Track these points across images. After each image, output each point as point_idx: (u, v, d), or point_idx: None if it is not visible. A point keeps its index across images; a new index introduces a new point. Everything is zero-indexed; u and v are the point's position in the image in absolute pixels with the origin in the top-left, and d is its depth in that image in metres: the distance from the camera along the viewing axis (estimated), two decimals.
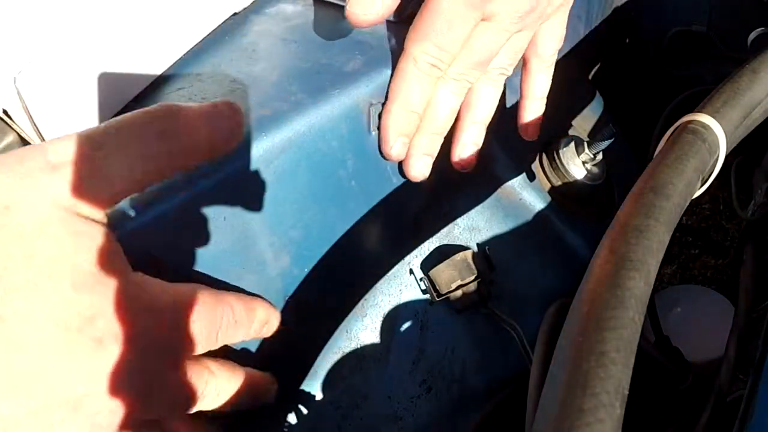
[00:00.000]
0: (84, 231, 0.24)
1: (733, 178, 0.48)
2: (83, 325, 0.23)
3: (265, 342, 0.36)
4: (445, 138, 0.40)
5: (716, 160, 0.30)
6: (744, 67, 0.32)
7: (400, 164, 0.40)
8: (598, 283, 0.23)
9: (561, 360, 0.22)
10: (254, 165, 0.32)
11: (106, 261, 0.24)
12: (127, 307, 0.25)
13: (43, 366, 0.22)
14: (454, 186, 0.42)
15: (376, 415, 0.38)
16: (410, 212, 0.42)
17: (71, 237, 0.23)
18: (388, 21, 0.38)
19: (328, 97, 0.34)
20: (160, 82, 0.35)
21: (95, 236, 0.24)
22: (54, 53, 0.28)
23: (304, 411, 0.37)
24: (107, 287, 0.24)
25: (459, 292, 0.39)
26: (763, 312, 0.35)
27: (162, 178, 0.26)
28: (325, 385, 0.38)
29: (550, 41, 0.40)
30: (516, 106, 0.43)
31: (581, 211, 0.45)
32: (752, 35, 0.52)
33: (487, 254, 0.40)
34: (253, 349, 0.36)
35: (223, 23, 0.38)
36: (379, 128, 0.36)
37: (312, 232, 0.36)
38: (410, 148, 0.37)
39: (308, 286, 0.37)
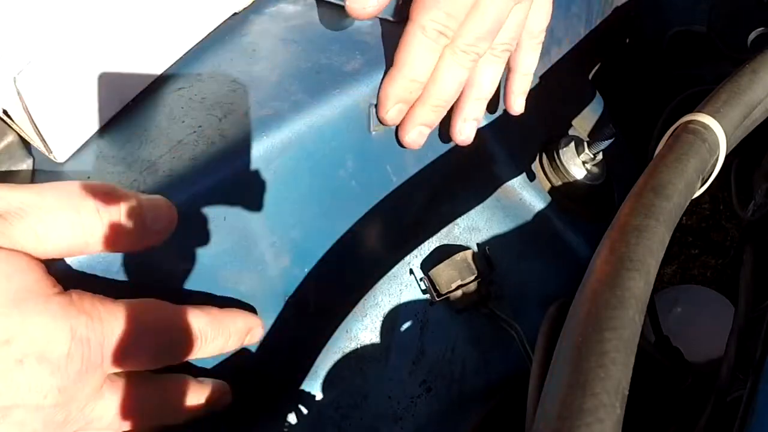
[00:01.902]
0: (4, 258, 0.25)
1: (733, 178, 0.48)
2: (2, 346, 0.24)
3: (265, 342, 0.36)
4: (445, 128, 0.39)
5: (716, 160, 0.30)
6: (744, 67, 0.32)
7: (400, 164, 0.40)
8: (598, 283, 0.23)
9: (561, 360, 0.22)
10: (254, 165, 0.32)
11: (26, 284, 0.25)
12: (48, 327, 0.25)
13: None
14: (453, 186, 0.42)
15: (376, 416, 0.38)
16: (410, 212, 0.42)
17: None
18: (388, 21, 0.38)
19: (328, 97, 0.34)
20: (160, 82, 0.35)
21: (16, 262, 0.25)
22: (54, 53, 0.28)
23: (304, 411, 0.37)
24: (26, 310, 0.25)
25: (459, 292, 0.39)
26: (763, 312, 0.35)
27: (87, 252, 0.27)
28: (325, 385, 0.38)
29: (540, 17, 0.40)
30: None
31: (581, 211, 0.45)
32: (752, 35, 0.52)
33: (487, 254, 0.40)
34: (253, 349, 0.36)
35: (223, 23, 0.38)
36: (378, 92, 0.36)
37: (312, 232, 0.36)
38: (409, 116, 0.37)
39: (308, 286, 0.37)
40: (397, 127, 0.38)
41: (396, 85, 0.35)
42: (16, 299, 0.25)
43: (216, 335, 0.31)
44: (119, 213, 0.27)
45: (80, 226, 0.26)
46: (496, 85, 0.39)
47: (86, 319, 0.26)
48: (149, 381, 0.30)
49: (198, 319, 0.30)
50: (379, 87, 0.35)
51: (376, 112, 0.36)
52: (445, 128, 0.39)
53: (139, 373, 0.29)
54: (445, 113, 0.37)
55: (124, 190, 0.28)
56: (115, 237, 0.27)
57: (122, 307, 0.27)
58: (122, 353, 0.27)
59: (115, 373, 0.28)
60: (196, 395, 0.32)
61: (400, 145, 0.38)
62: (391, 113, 0.36)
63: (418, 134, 0.37)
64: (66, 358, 0.25)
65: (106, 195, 0.27)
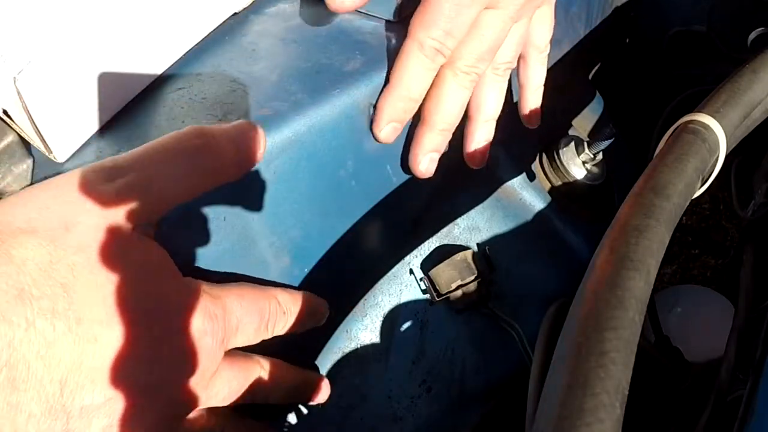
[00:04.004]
0: (136, 242, 0.27)
1: (733, 178, 0.48)
2: (146, 323, 0.26)
3: (264, 342, 0.36)
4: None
5: (716, 160, 0.30)
6: (744, 67, 0.32)
7: (401, 164, 0.40)
8: (598, 283, 0.23)
9: (561, 360, 0.22)
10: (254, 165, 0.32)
11: (158, 267, 0.27)
12: (182, 307, 0.27)
13: (116, 359, 0.25)
14: (454, 186, 0.42)
15: (376, 415, 0.38)
16: (410, 212, 0.42)
17: (126, 248, 0.26)
18: (388, 21, 0.38)
19: (328, 97, 0.34)
20: (160, 82, 0.35)
21: (147, 246, 0.27)
22: (54, 53, 0.28)
23: (304, 411, 0.37)
24: (162, 290, 0.27)
25: (459, 292, 0.39)
26: (763, 312, 0.34)
27: (196, 195, 0.29)
28: None
29: (543, 30, 0.40)
30: (516, 105, 0.43)
31: (581, 211, 0.45)
32: (752, 35, 0.52)
33: (487, 254, 0.40)
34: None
35: (223, 23, 0.38)
36: (374, 108, 0.36)
37: (312, 232, 0.36)
38: (418, 145, 0.37)
39: (308, 286, 0.37)
40: (400, 163, 0.38)
41: (391, 103, 0.35)
42: (150, 278, 0.26)
43: (296, 311, 0.34)
44: (215, 148, 0.28)
45: (185, 173, 0.28)
46: (502, 104, 0.39)
47: (211, 297, 0.29)
48: (252, 358, 0.32)
49: (282, 296, 0.33)
50: (376, 101, 0.35)
51: (371, 127, 0.36)
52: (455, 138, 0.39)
53: (241, 351, 0.32)
54: (450, 136, 0.38)
55: (210, 126, 0.29)
56: (218, 171, 0.29)
57: (229, 289, 0.30)
58: (237, 330, 0.30)
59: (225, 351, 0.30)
60: (292, 377, 0.35)
61: (413, 174, 0.38)
62: (385, 131, 0.36)
63: (429, 161, 0.37)
64: (201, 332, 0.28)
65: (197, 137, 0.28)
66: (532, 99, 0.42)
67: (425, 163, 0.37)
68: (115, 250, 0.26)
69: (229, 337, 0.30)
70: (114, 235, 0.26)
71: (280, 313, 0.32)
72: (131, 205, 0.26)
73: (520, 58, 0.41)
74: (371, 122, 0.36)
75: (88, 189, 0.26)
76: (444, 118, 0.36)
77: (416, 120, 0.37)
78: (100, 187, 0.26)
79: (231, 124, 0.30)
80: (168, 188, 0.27)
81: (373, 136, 0.36)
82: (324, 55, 0.36)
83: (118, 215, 0.26)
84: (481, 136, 0.39)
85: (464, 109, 0.37)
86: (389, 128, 0.35)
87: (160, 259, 0.28)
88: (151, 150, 0.27)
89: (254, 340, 0.32)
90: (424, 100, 0.36)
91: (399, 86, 0.34)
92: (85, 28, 0.29)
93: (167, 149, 0.28)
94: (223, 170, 0.29)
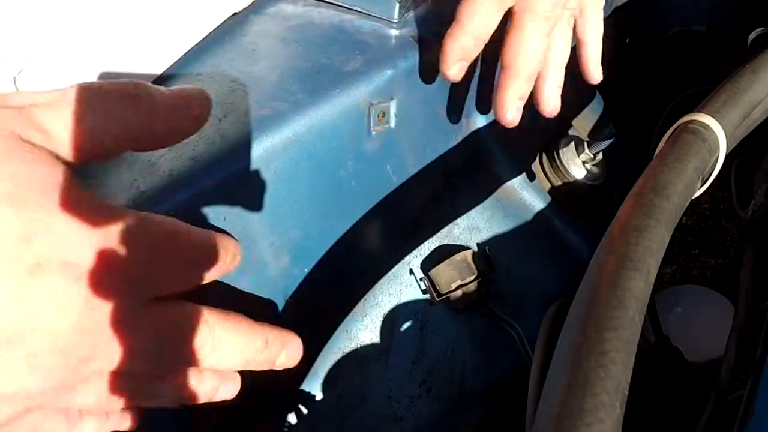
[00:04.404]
0: (34, 155, 0.21)
1: (733, 178, 0.48)
2: (18, 245, 0.20)
3: None
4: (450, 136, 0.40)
5: (716, 160, 0.30)
6: (744, 67, 0.32)
7: (401, 164, 0.40)
8: (598, 283, 0.23)
9: (561, 360, 0.22)
10: (254, 165, 0.32)
11: (50, 177, 0.21)
12: (74, 227, 0.21)
13: None
14: (454, 186, 0.42)
15: (376, 415, 0.38)
16: (410, 212, 0.42)
17: (18, 158, 0.21)
18: (388, 21, 0.38)
19: (328, 97, 0.34)
20: (160, 82, 0.35)
21: (43, 159, 0.21)
22: (54, 53, 0.28)
23: (304, 411, 0.37)
24: (49, 204, 0.21)
25: (459, 292, 0.39)
26: (763, 312, 0.35)
27: (121, 149, 0.24)
28: (325, 385, 0.38)
29: None
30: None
31: (581, 211, 0.45)
32: (752, 35, 0.52)
33: (487, 254, 0.40)
34: None
35: (223, 23, 0.38)
36: (440, 49, 0.35)
37: (312, 232, 0.36)
38: (504, 93, 0.36)
39: (308, 286, 0.37)
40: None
41: (459, 40, 0.34)
42: (38, 193, 0.21)
43: (214, 250, 0.27)
44: (151, 104, 0.24)
45: (113, 118, 0.23)
46: (569, 50, 0.39)
47: (118, 227, 0.22)
48: (181, 315, 0.25)
49: (195, 232, 0.26)
50: (441, 44, 0.35)
51: (440, 69, 0.36)
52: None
53: (175, 301, 0.25)
54: (533, 84, 0.37)
55: (151, 86, 0.24)
56: (149, 129, 0.24)
57: (146, 216, 0.24)
58: (158, 269, 0.24)
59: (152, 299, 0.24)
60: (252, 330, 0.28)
61: (499, 123, 0.37)
62: (453, 70, 0.35)
63: (516, 110, 0.37)
64: (91, 264, 0.21)
65: (137, 89, 0.24)
66: (594, 53, 0.41)
67: (513, 111, 0.37)
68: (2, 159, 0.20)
69: (136, 278, 0.23)
70: (11, 146, 0.20)
71: (194, 252, 0.26)
72: (38, 122, 0.22)
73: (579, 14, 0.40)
74: (440, 63, 0.36)
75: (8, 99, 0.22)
76: (528, 64, 0.36)
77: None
78: (14, 104, 0.22)
79: (179, 88, 0.26)
80: (88, 126, 0.22)
81: (443, 76, 0.36)
82: (324, 55, 0.36)
83: (22, 129, 0.21)
84: (555, 81, 0.39)
85: (544, 57, 0.37)
86: (457, 67, 0.35)
87: (49, 171, 0.22)
88: (83, 88, 0.23)
89: (183, 288, 0.25)
90: (505, 47, 0.36)
91: (468, 23, 0.34)
92: (85, 28, 0.29)
93: (103, 89, 0.23)
94: (157, 130, 0.25)
